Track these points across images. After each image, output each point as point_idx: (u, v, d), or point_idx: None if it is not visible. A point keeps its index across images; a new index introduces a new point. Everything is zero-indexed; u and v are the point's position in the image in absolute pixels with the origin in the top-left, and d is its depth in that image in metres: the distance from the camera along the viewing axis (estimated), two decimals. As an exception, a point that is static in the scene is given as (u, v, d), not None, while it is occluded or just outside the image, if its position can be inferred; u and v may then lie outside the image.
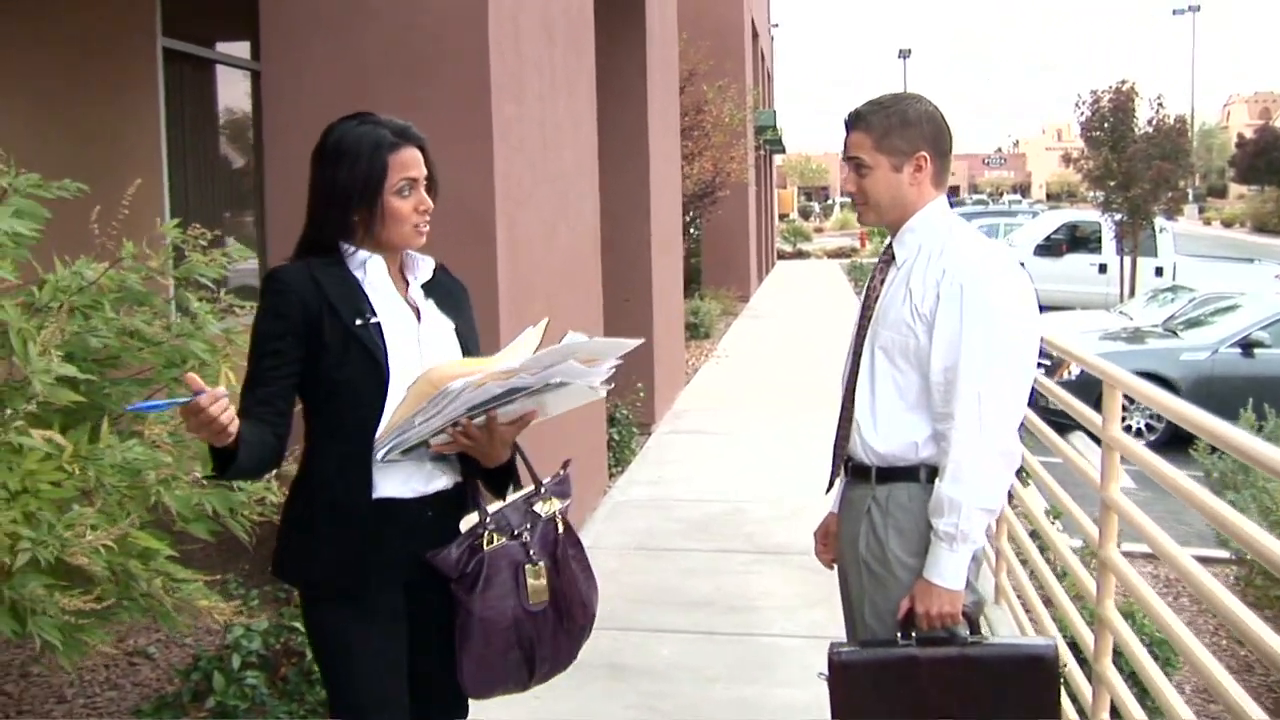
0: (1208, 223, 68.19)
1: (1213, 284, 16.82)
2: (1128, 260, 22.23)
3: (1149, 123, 22.48)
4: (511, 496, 2.71)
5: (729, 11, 21.38)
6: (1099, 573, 3.67)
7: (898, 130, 2.94)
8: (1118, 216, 22.08)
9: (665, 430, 10.35)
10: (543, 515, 2.72)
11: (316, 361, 2.57)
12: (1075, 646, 4.12)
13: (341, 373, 2.56)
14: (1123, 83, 22.59)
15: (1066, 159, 25.03)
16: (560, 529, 2.75)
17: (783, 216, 51.89)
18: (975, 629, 2.92)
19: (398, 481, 2.62)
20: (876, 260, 3.15)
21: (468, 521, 2.62)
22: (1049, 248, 24.32)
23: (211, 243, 3.95)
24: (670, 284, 11.73)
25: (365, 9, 5.32)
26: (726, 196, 18.72)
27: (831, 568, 3.29)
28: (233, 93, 8.96)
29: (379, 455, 2.55)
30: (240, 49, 8.88)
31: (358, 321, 2.57)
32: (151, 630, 5.14)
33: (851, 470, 3.06)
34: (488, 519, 2.63)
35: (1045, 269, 22.64)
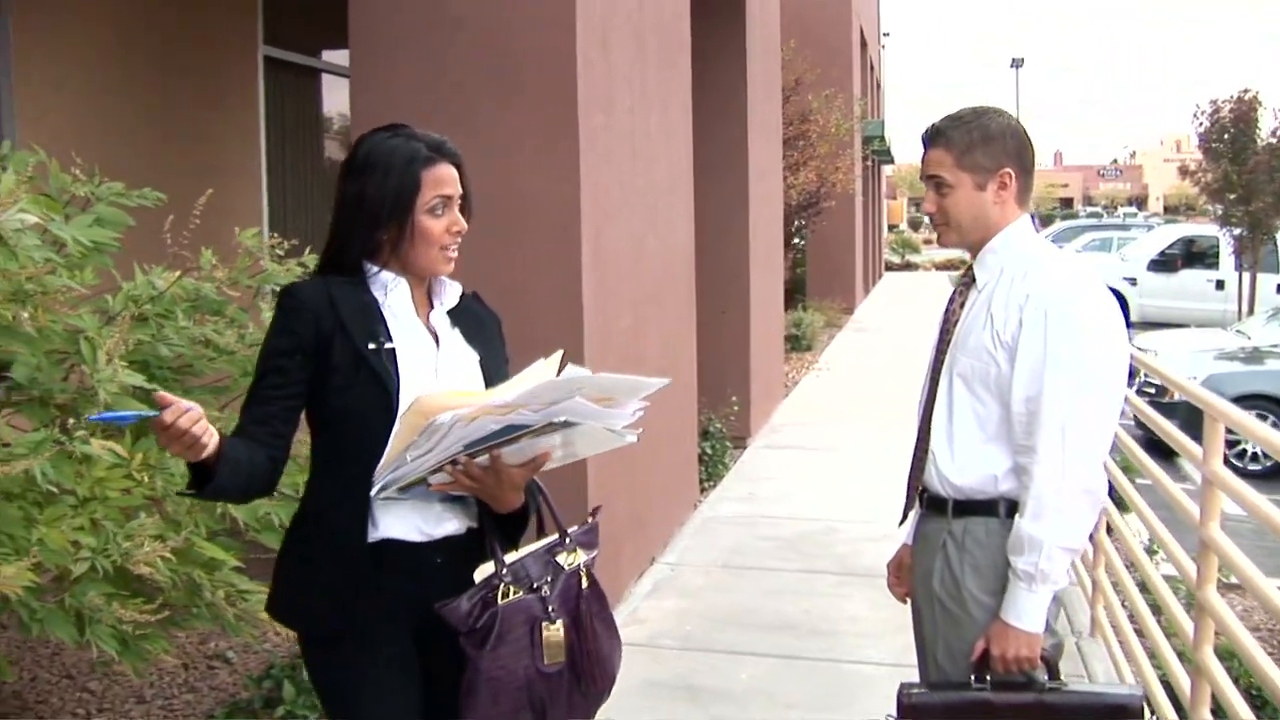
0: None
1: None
2: (1247, 276, 21.51)
3: (1272, 134, 21.75)
4: (532, 546, 2.51)
5: (836, 20, 21.18)
6: (1196, 615, 3.48)
7: (980, 146, 2.81)
8: (1237, 231, 21.38)
9: (760, 445, 10.21)
10: (566, 568, 2.51)
11: (323, 385, 2.41)
12: (1170, 687, 3.93)
13: (347, 399, 2.39)
14: (1245, 92, 21.91)
15: (1184, 171, 24.32)
16: (584, 583, 2.55)
17: (891, 228, 51.31)
18: (1054, 674, 2.76)
19: (401, 522, 2.44)
20: (955, 282, 3.03)
21: (482, 571, 2.42)
22: (1164, 263, 23.64)
23: (289, 252, 3.94)
24: (770, 296, 11.59)
25: (450, 18, 5.30)
26: (832, 207, 18.52)
27: (905, 602, 3.16)
28: (332, 100, 9.04)
29: (373, 492, 2.36)
30: (340, 57, 8.96)
31: (370, 345, 2.40)
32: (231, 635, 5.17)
33: (927, 502, 2.93)
34: (504, 570, 2.42)
35: (1159, 285, 22.07)
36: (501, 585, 2.40)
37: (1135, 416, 5.26)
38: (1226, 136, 21.77)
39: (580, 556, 2.55)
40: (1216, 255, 23.20)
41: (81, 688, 4.86)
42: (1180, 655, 4.10)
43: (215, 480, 2.24)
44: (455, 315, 2.58)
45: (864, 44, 25.68)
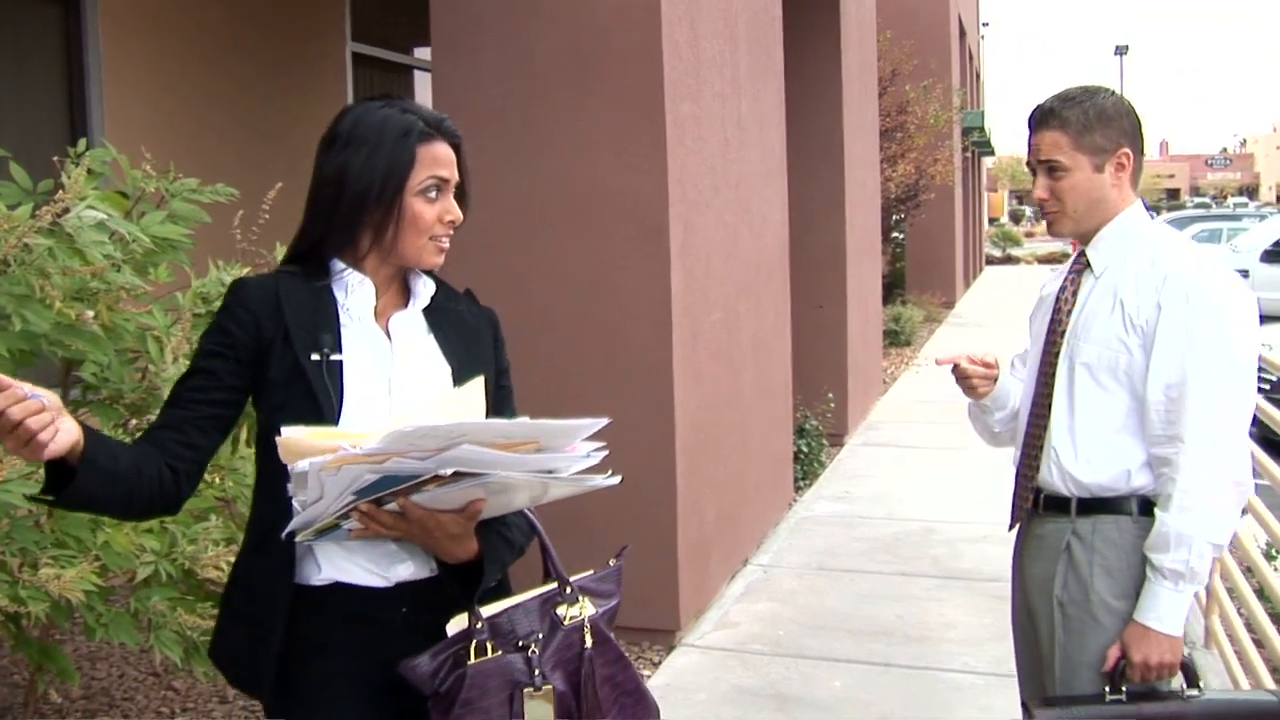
0: None
1: None
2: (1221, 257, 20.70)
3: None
4: (524, 595, 2.12)
5: (934, 9, 20.76)
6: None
7: (1098, 126, 2.65)
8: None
9: (857, 442, 9.99)
10: (565, 622, 2.11)
11: (257, 398, 2.09)
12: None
13: (279, 418, 1.97)
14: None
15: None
16: (588, 641, 2.13)
17: (992, 220, 50.47)
18: (1194, 680, 2.58)
19: (348, 562, 2.07)
20: (1063, 270, 2.85)
21: (456, 624, 2.03)
22: (1277, 254, 22.85)
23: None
24: (868, 290, 11.36)
25: (533, 8, 5.18)
26: (931, 200, 18.18)
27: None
28: (421, 96, 9.00)
29: (284, 533, 1.96)
30: (429, 53, 8.93)
31: (313, 356, 2.04)
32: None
33: (1044, 503, 2.76)
34: (479, 623, 2.02)
35: (1272, 276, 21.31)
36: (476, 641, 2.01)
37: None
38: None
39: (587, 608, 2.15)
40: None
41: (167, 686, 4.84)
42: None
43: (73, 485, 1.85)
44: (434, 319, 2.20)
45: (963, 33, 25.19)
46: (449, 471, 1.85)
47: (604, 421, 1.95)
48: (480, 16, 5.27)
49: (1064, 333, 2.72)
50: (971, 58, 29.48)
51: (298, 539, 1.97)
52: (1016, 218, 75.85)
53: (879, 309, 12.95)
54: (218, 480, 3.20)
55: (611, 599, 2.22)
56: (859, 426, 10.51)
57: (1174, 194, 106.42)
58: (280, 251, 3.64)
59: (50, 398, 1.77)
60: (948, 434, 10.18)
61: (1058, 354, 2.73)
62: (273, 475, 1.99)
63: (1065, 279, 2.79)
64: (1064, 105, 2.67)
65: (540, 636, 2.08)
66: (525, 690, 2.03)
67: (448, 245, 2.17)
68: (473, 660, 2.00)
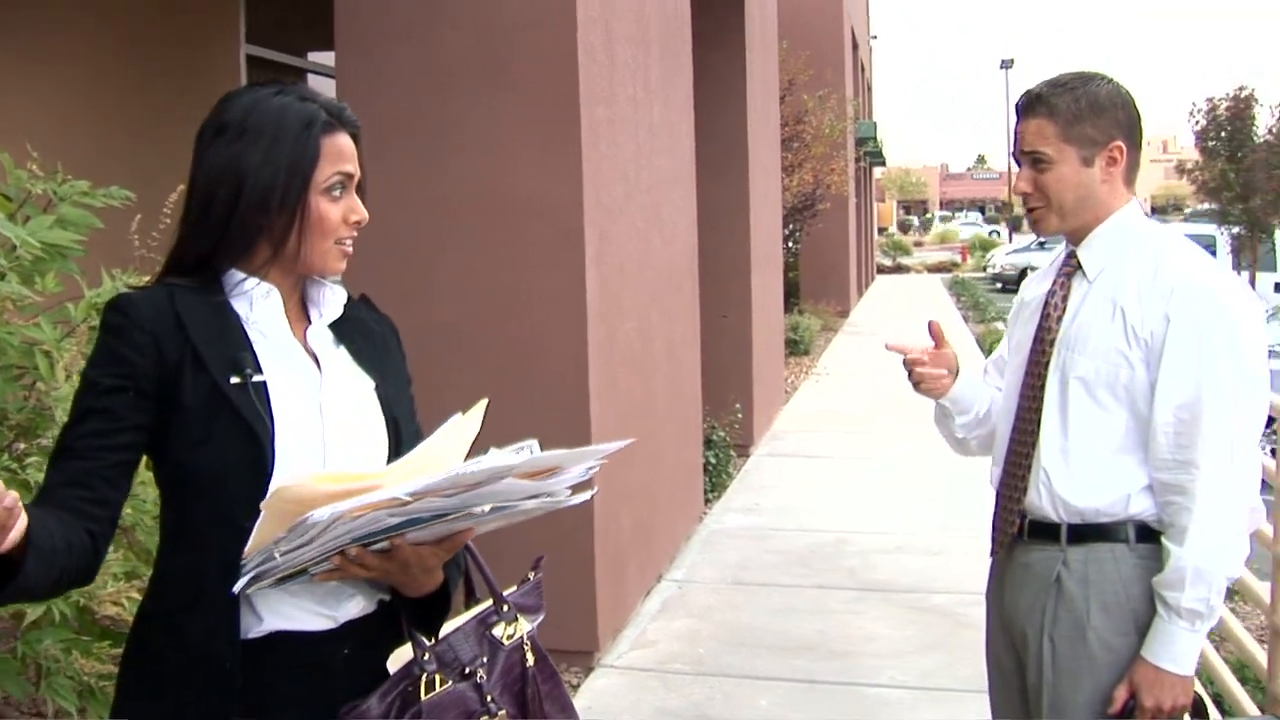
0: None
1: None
2: (1245, 275, 21.31)
3: (1269, 131, 21.59)
4: (460, 619, 1.93)
5: (829, 21, 20.89)
6: (1270, 644, 3.18)
7: (1089, 116, 2.43)
8: (1234, 229, 21.20)
9: (763, 453, 9.91)
10: (505, 643, 1.93)
11: (168, 435, 1.77)
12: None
13: (202, 454, 1.75)
14: (1241, 89, 21.77)
15: (1180, 169, 24.15)
16: (530, 659, 1.96)
17: (881, 230, 51.10)
18: (1203, 714, 2.43)
19: (292, 607, 1.81)
20: (1048, 270, 2.65)
21: (398, 659, 1.84)
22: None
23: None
24: (770, 299, 11.30)
25: (441, 7, 4.98)
26: (826, 209, 18.24)
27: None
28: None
29: (238, 586, 1.72)
30: (327, 57, 8.65)
31: (232, 379, 1.77)
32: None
33: (1029, 529, 2.54)
34: (425, 655, 1.83)
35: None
36: (425, 675, 1.82)
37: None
38: (1223, 134, 21.61)
39: (523, 626, 1.97)
40: (1214, 255, 22.97)
41: None
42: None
43: (19, 578, 1.58)
44: (340, 329, 1.96)
45: (855, 45, 25.41)
46: (487, 508, 1.68)
47: (628, 442, 1.81)
48: (387, 16, 5.05)
49: (1054, 341, 2.51)
50: (863, 69, 29.79)
51: (251, 590, 1.73)
52: (905, 227, 77.03)
53: (781, 318, 12.92)
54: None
55: (539, 613, 2.04)
56: (764, 437, 10.44)
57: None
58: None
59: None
60: (852, 443, 10.18)
61: (1047, 365, 2.51)
62: (204, 524, 1.73)
63: (1054, 282, 2.57)
64: (1054, 91, 2.46)
65: (484, 660, 1.89)
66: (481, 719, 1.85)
67: (350, 250, 1.92)
68: (424, 696, 1.80)
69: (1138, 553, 2.40)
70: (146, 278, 3.25)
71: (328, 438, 1.84)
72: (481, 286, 5.05)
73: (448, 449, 1.75)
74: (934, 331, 2.77)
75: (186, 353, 1.77)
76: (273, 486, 1.68)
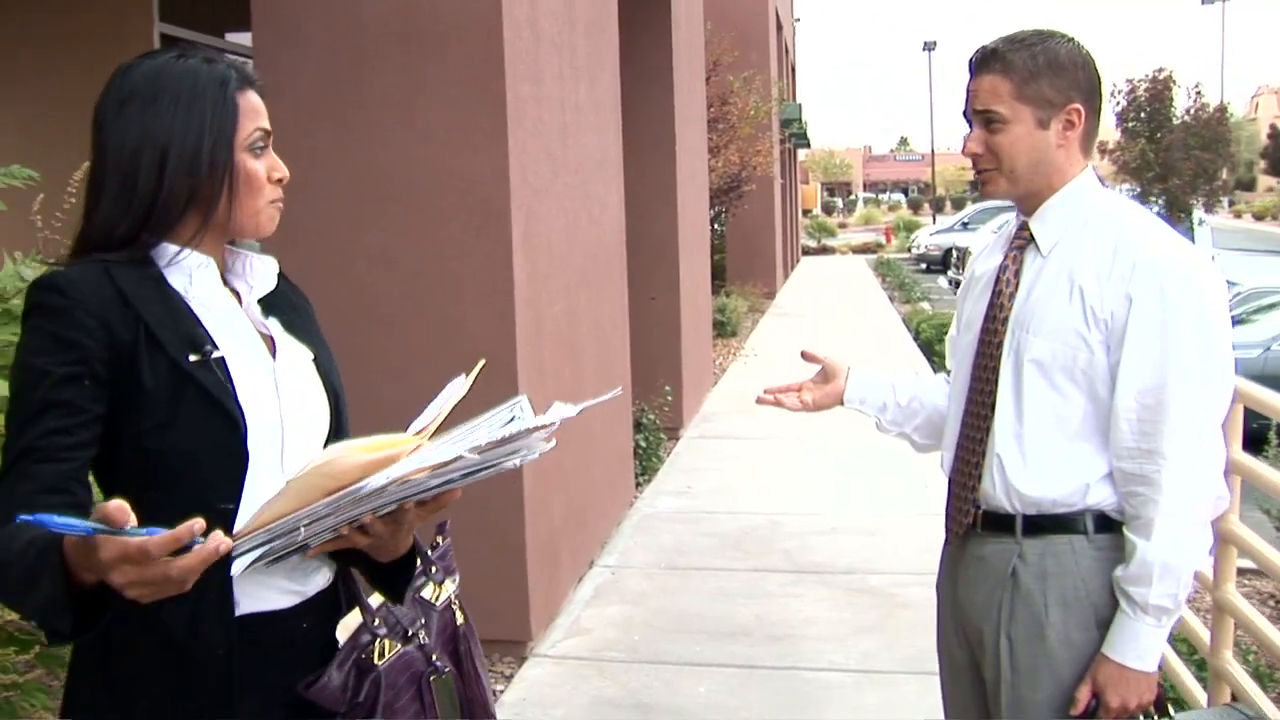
0: (1238, 215, 67.15)
1: (1256, 279, 16.15)
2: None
3: (1187, 112, 21.92)
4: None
5: (753, 2, 20.86)
6: (1214, 619, 3.14)
7: (1047, 74, 2.27)
8: (1155, 209, 21.49)
9: (694, 435, 9.84)
10: (436, 604, 1.94)
11: (126, 421, 1.66)
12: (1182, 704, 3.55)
13: (171, 438, 1.65)
14: (1160, 71, 22.10)
15: (1102, 150, 24.45)
16: (459, 618, 1.99)
17: (806, 212, 51.30)
18: (1163, 709, 2.30)
19: (264, 588, 1.75)
20: (998, 242, 2.50)
21: (347, 627, 1.82)
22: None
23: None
24: (698, 281, 11.23)
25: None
26: (752, 191, 18.20)
27: (799, 403, 2.68)
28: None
29: (237, 568, 1.63)
30: (246, 38, 8.43)
31: (191, 357, 1.68)
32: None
33: (983, 520, 2.39)
34: (375, 620, 1.81)
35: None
36: (377, 641, 1.80)
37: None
38: (1143, 115, 21.89)
39: (448, 587, 1.99)
40: None
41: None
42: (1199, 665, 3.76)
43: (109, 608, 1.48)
44: (267, 302, 1.88)
45: (779, 27, 25.42)
46: (518, 462, 1.64)
47: (616, 391, 1.81)
48: (304, -6, 4.89)
49: (1006, 320, 2.35)
50: (787, 51, 29.81)
51: (245, 570, 1.64)
52: (829, 209, 77.50)
53: (709, 300, 12.86)
54: None
55: (456, 574, 2.05)
56: (694, 419, 10.38)
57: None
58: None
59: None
60: (783, 424, 10.09)
61: (1000, 345, 2.35)
62: (177, 509, 1.47)
63: (1005, 256, 2.41)
64: (1010, 48, 2.30)
65: (422, 623, 1.90)
66: (431, 680, 1.86)
67: (281, 208, 1.85)
68: (378, 661, 1.78)
69: (1096, 544, 2.28)
70: (50, 261, 3.09)
71: (284, 412, 1.78)
72: (403, 268, 4.90)
73: (448, 409, 1.72)
74: (808, 358, 2.72)
75: (140, 331, 1.67)
76: (316, 460, 1.59)
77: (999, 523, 2.36)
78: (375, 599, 1.87)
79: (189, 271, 1.77)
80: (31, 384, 1.64)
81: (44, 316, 1.66)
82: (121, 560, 1.35)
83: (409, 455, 1.60)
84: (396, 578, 1.86)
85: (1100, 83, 2.35)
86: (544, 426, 1.62)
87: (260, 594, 1.74)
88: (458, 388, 1.76)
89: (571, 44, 5.99)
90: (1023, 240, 2.39)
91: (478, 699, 1.98)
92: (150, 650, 1.68)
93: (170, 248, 1.76)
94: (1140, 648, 2.21)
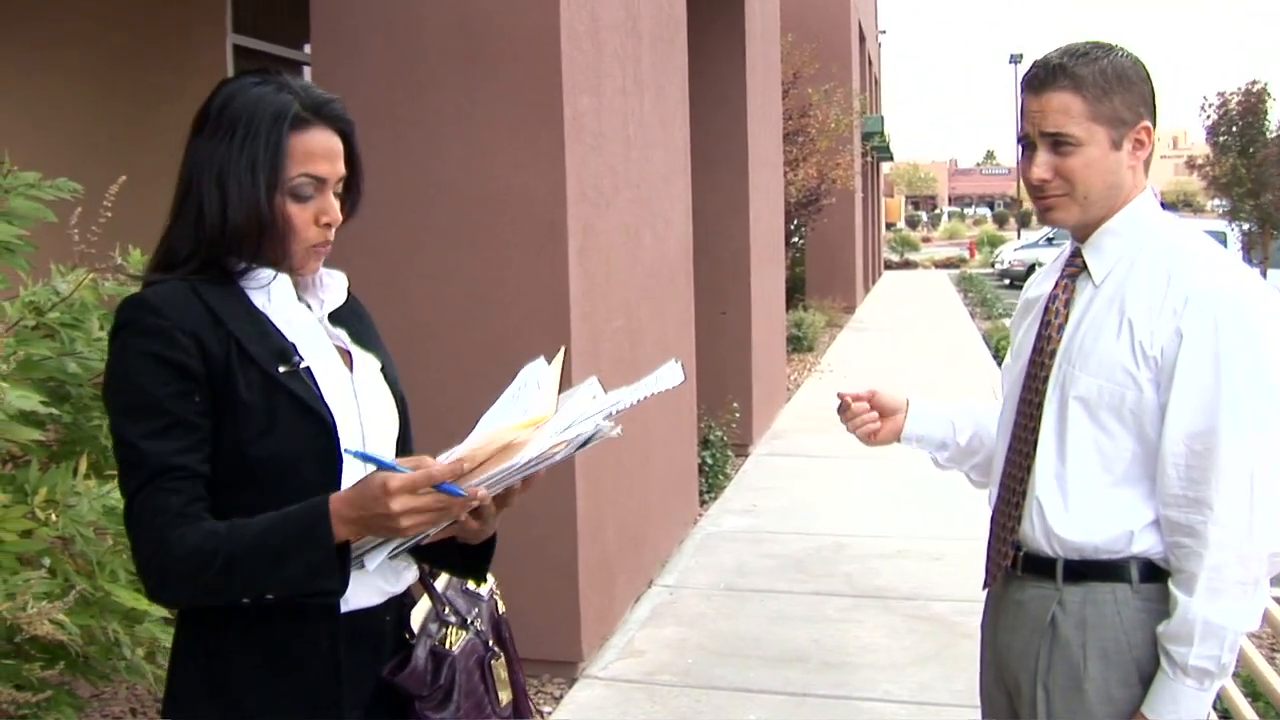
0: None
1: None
2: (1256, 271, 21.10)
3: (1281, 126, 21.38)
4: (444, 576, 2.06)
5: (836, 13, 20.71)
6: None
7: (1118, 90, 2.09)
8: (1246, 225, 20.99)
9: (763, 453, 9.72)
10: (483, 594, 2.09)
11: (222, 432, 1.75)
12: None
13: (270, 445, 1.75)
14: (1253, 83, 21.51)
15: (1191, 165, 23.93)
16: (500, 607, 2.14)
17: (889, 225, 50.92)
18: None
19: (364, 586, 1.82)
20: (1052, 267, 2.34)
21: (420, 614, 1.96)
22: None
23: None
24: (772, 295, 11.11)
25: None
26: (832, 204, 18.04)
27: (868, 435, 2.64)
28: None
29: (371, 562, 1.73)
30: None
31: (281, 368, 1.77)
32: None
33: (1023, 562, 2.26)
34: (445, 609, 1.98)
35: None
36: (448, 629, 1.97)
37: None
38: (1235, 129, 21.38)
39: (490, 579, 2.11)
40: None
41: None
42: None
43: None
44: (336, 315, 1.97)
45: (862, 39, 25.22)
46: (619, 429, 1.71)
47: (679, 378, 1.83)
48: (364, 7, 4.87)
49: (1054, 353, 2.20)
50: (870, 63, 29.57)
51: (377, 565, 1.76)
52: (913, 223, 76.82)
53: (783, 315, 12.72)
54: (54, 517, 2.78)
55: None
56: (764, 436, 10.25)
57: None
58: (137, 256, 3.19)
59: None
60: (854, 443, 9.90)
61: (1046, 380, 2.20)
62: (283, 504, 1.69)
63: (1056, 284, 2.25)
64: (1076, 61, 2.09)
65: (477, 611, 2.06)
66: (491, 663, 2.02)
67: (328, 251, 1.89)
68: (450, 647, 1.95)
69: (1142, 594, 2.12)
70: (90, 274, 3.08)
71: (364, 418, 1.87)
72: (456, 283, 4.86)
73: (551, 391, 1.80)
74: (844, 400, 2.66)
75: (231, 346, 1.75)
76: (495, 435, 1.68)
77: (1039, 566, 2.23)
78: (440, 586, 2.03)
79: (267, 288, 1.83)
80: (147, 405, 1.71)
81: (141, 335, 1.73)
82: (407, 489, 1.58)
83: (544, 429, 1.68)
84: (481, 558, 1.97)
85: (1156, 97, 2.18)
86: (636, 396, 1.73)
87: (361, 592, 1.81)
88: (537, 371, 1.86)
89: (636, 56, 5.93)
90: (1075, 268, 2.23)
91: (521, 684, 2.12)
92: (254, 649, 1.78)
93: (241, 264, 1.82)
94: (1180, 711, 2.06)
